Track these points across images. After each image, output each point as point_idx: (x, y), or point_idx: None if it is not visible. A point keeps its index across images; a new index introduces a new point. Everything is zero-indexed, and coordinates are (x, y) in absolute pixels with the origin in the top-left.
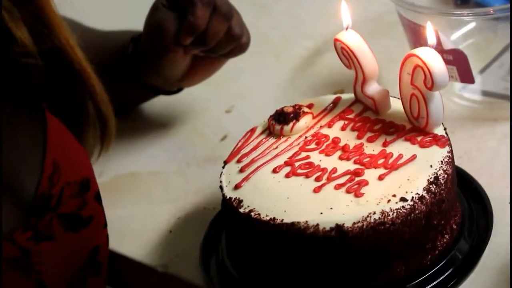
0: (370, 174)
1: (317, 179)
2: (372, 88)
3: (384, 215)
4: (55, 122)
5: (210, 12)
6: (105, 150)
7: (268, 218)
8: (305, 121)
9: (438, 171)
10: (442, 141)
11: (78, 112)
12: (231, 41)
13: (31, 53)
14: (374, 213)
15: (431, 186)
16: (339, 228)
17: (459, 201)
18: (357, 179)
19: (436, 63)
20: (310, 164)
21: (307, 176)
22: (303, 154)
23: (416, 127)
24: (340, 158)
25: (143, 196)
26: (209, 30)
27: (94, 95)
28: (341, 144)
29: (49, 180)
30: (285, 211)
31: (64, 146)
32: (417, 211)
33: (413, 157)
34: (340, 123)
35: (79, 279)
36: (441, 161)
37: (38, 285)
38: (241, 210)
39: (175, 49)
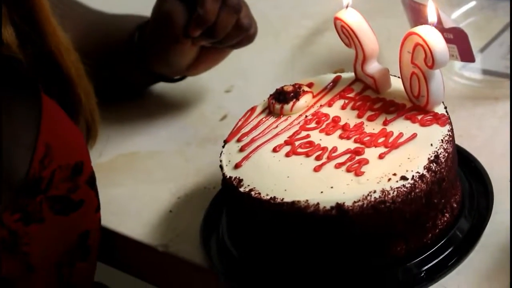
0: (371, 153)
1: (317, 158)
2: (372, 67)
3: (384, 194)
4: (50, 103)
5: (219, 4)
6: (89, 148)
7: (268, 197)
8: (305, 100)
9: (438, 149)
10: (443, 119)
11: (69, 106)
12: (239, 33)
13: (16, 54)
14: (375, 191)
15: (431, 164)
16: (339, 207)
17: (459, 180)
18: (357, 158)
19: (436, 42)
20: (310, 143)
21: (307, 155)
22: (303, 133)
23: (416, 106)
24: (340, 137)
25: (143, 176)
26: (218, 22)
27: (79, 101)
28: (341, 123)
29: (41, 163)
30: (285, 190)
31: (58, 129)
32: (417, 190)
33: (414, 135)
34: (340, 102)
35: (67, 262)
36: (442, 140)
37: (26, 267)
38: (241, 189)
39: (183, 41)
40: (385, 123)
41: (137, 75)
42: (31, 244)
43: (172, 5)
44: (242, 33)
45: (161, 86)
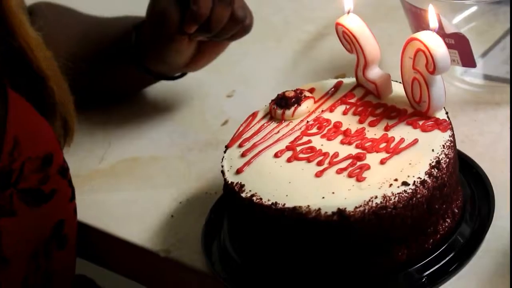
0: (372, 158)
1: (319, 164)
2: (374, 72)
3: (386, 199)
4: (16, 97)
5: None
6: (66, 146)
7: (270, 202)
8: (306, 106)
9: (439, 155)
10: (444, 125)
11: (42, 106)
12: (235, 25)
13: None
14: (376, 197)
15: (432, 170)
16: (340, 212)
17: (461, 185)
18: (358, 163)
19: (438, 47)
20: (312, 149)
21: (308, 160)
22: (305, 139)
23: (417, 111)
24: (342, 142)
25: (145, 181)
26: (213, 17)
27: (53, 96)
28: (343, 128)
29: (10, 155)
30: (287, 195)
31: (26, 122)
32: (418, 195)
33: (415, 141)
34: (342, 108)
35: (44, 252)
36: (443, 145)
37: (1, 260)
38: (243, 194)
39: (179, 38)
40: (387, 128)
41: (136, 75)
42: (3, 237)
43: (165, 3)
44: (238, 25)
45: (162, 91)
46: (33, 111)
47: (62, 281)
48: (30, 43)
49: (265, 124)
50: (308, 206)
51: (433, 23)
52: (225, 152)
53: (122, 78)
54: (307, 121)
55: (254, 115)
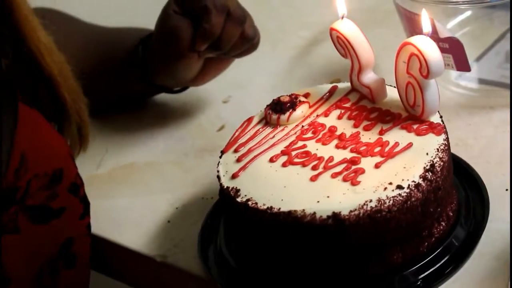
0: (367, 162)
1: (314, 168)
2: (368, 77)
3: (380, 203)
4: (26, 111)
5: (224, 17)
6: (83, 151)
7: (265, 207)
8: (301, 110)
9: (434, 158)
10: (438, 129)
11: (56, 112)
12: (244, 43)
13: None
14: (371, 201)
15: (427, 173)
16: (335, 216)
17: (455, 188)
18: (353, 167)
19: (431, 51)
20: (307, 153)
21: (304, 165)
22: (300, 143)
23: (412, 115)
24: (337, 146)
25: (141, 186)
26: (224, 35)
27: (64, 103)
28: (338, 132)
29: (16, 173)
30: (282, 200)
31: (36, 136)
32: (413, 199)
33: (409, 145)
34: (337, 112)
35: (49, 271)
36: (437, 149)
37: (1, 279)
38: (239, 199)
39: (190, 55)
40: (381, 132)
41: (140, 87)
42: (5, 255)
43: (177, 21)
44: (248, 43)
45: (159, 98)
46: (45, 125)
47: None
48: (41, 48)
49: (261, 129)
50: (303, 210)
51: (426, 27)
52: (220, 157)
53: (125, 91)
54: (302, 126)
55: (249, 120)
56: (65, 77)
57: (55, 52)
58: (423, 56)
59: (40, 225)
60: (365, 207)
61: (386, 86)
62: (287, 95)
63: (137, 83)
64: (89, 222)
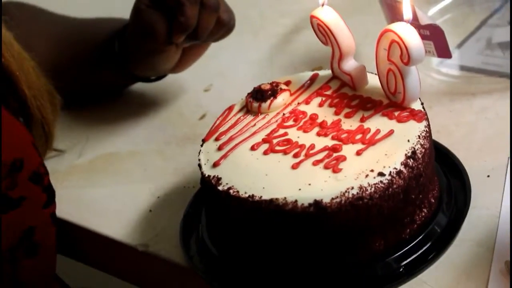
0: (348, 150)
1: (295, 156)
2: (349, 64)
3: (362, 190)
4: None
5: (198, 7)
6: (48, 149)
7: (247, 195)
8: (282, 98)
9: (415, 145)
10: (419, 115)
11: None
12: (221, 28)
13: None
14: (352, 188)
15: (408, 160)
16: (317, 204)
17: (437, 175)
18: (335, 154)
19: (412, 38)
20: (288, 141)
21: (285, 152)
22: (281, 131)
23: (393, 102)
24: (318, 134)
25: (123, 176)
26: (200, 25)
27: (24, 98)
28: (319, 120)
29: None
30: (263, 188)
31: None
32: (395, 186)
33: (391, 132)
34: (318, 100)
35: (9, 259)
36: (418, 136)
37: None
38: (220, 187)
39: (168, 49)
40: (362, 120)
41: (117, 78)
42: None
43: (150, 16)
44: (224, 27)
45: (139, 87)
46: (6, 115)
47: None
48: None
49: (242, 117)
50: (285, 198)
51: (407, 14)
52: (201, 145)
53: (101, 81)
54: (283, 114)
55: (230, 108)
56: (26, 73)
57: (14, 48)
58: (403, 43)
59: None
60: (346, 194)
61: (367, 73)
62: (268, 83)
63: (114, 75)
64: (54, 211)
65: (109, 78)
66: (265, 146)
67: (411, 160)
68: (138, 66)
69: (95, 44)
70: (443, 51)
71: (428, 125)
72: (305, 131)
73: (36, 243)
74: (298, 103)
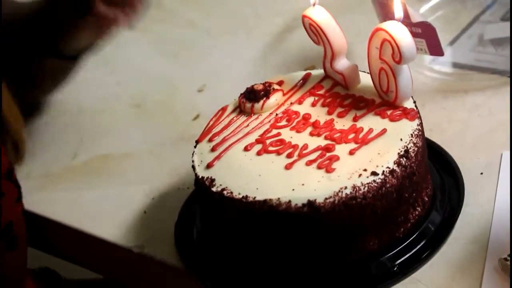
0: (341, 149)
1: (289, 156)
2: (341, 64)
3: (355, 189)
4: None
5: None
6: (19, 160)
7: (240, 196)
8: (275, 98)
9: (408, 144)
10: (412, 114)
11: None
12: None
13: None
14: (346, 188)
15: (401, 159)
16: (311, 204)
17: (430, 173)
18: (328, 154)
19: (403, 37)
20: (281, 141)
21: (278, 153)
22: (274, 131)
23: (385, 101)
24: (311, 134)
25: (117, 177)
26: None
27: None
28: (312, 120)
29: None
30: (257, 188)
31: None
32: (388, 185)
33: (383, 131)
34: (310, 99)
35: None
36: (411, 134)
37: None
38: (214, 189)
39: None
40: (355, 119)
41: (51, 61)
42: None
43: None
44: None
45: (132, 87)
46: None
47: (15, 281)
48: None
49: (235, 118)
50: (279, 198)
51: (398, 12)
52: (195, 147)
53: (38, 67)
54: (276, 114)
55: (223, 109)
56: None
57: None
58: (395, 42)
59: None
60: (340, 194)
61: (359, 72)
62: (260, 83)
63: (48, 58)
64: (23, 207)
65: (44, 63)
66: (258, 147)
67: (404, 159)
68: (65, 38)
69: (28, 21)
70: (435, 49)
71: (421, 124)
72: (298, 131)
73: (15, 236)
74: (291, 103)
